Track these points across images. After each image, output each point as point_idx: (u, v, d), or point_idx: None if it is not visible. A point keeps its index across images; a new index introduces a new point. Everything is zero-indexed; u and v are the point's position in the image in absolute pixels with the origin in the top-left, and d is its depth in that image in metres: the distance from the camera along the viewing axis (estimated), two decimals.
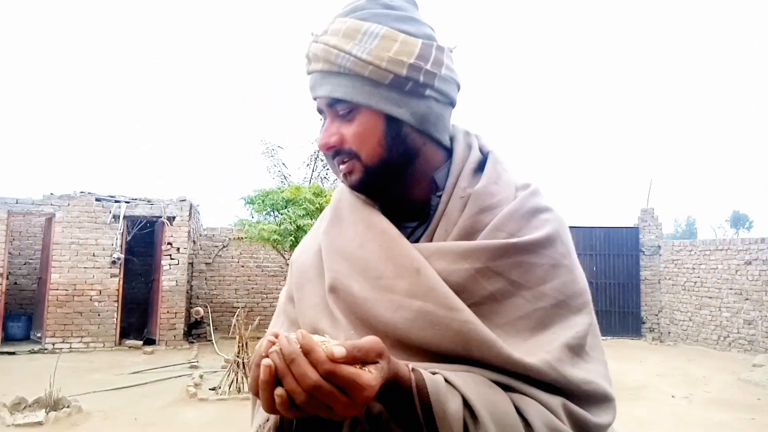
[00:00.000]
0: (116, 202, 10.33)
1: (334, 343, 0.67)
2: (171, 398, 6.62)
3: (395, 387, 0.71)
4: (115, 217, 10.19)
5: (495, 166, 0.93)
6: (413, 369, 0.73)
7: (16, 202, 9.87)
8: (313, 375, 0.63)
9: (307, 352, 0.64)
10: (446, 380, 0.73)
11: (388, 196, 0.94)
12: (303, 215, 9.54)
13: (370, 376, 0.65)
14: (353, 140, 0.88)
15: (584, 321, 0.83)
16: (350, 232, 0.92)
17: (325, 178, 14.71)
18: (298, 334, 0.67)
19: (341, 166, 0.92)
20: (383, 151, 0.88)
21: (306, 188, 10.26)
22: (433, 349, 0.80)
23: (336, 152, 0.90)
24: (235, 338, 10.69)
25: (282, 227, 9.44)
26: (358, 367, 0.65)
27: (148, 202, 10.66)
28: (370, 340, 0.68)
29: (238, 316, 7.23)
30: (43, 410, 5.60)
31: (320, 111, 0.93)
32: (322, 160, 14.88)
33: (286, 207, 9.82)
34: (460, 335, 0.78)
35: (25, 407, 5.76)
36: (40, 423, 5.39)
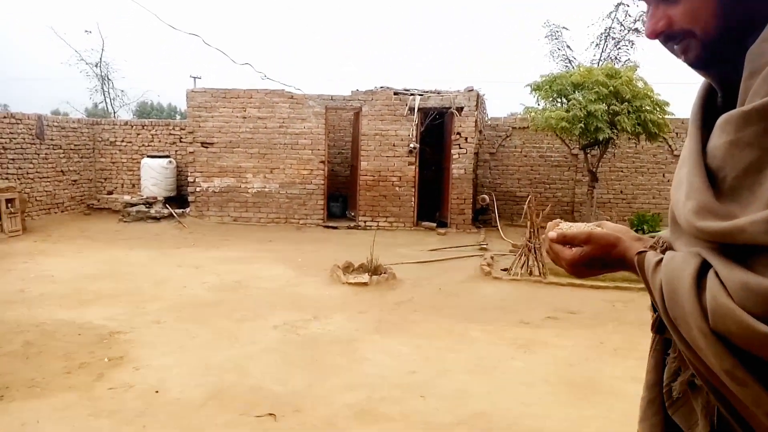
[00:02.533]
0: (410, 95, 11.10)
1: (569, 229, 1.03)
2: (467, 274, 7.22)
3: (629, 267, 0.95)
4: (411, 110, 11.02)
5: None
6: (639, 253, 0.91)
7: (331, 99, 11.36)
8: (545, 246, 1.07)
9: (546, 234, 1.05)
10: (658, 261, 0.87)
11: (736, 71, 0.83)
12: (594, 100, 8.93)
13: (569, 252, 0.98)
14: (684, 19, 0.83)
15: None
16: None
17: (616, 58, 13.42)
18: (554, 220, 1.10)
19: (676, 48, 0.88)
20: (720, 20, 0.81)
21: (598, 70, 9.49)
22: (692, 235, 0.84)
23: (666, 37, 0.87)
24: (518, 225, 11.01)
25: (570, 114, 9.02)
26: (568, 247, 0.99)
27: (438, 93, 11.21)
28: (578, 233, 0.98)
29: (529, 203, 7.32)
30: (366, 273, 6.68)
31: None
32: (613, 38, 13.53)
33: (574, 92, 9.31)
34: (685, 222, 0.84)
35: (352, 270, 6.95)
36: (365, 283, 6.47)
